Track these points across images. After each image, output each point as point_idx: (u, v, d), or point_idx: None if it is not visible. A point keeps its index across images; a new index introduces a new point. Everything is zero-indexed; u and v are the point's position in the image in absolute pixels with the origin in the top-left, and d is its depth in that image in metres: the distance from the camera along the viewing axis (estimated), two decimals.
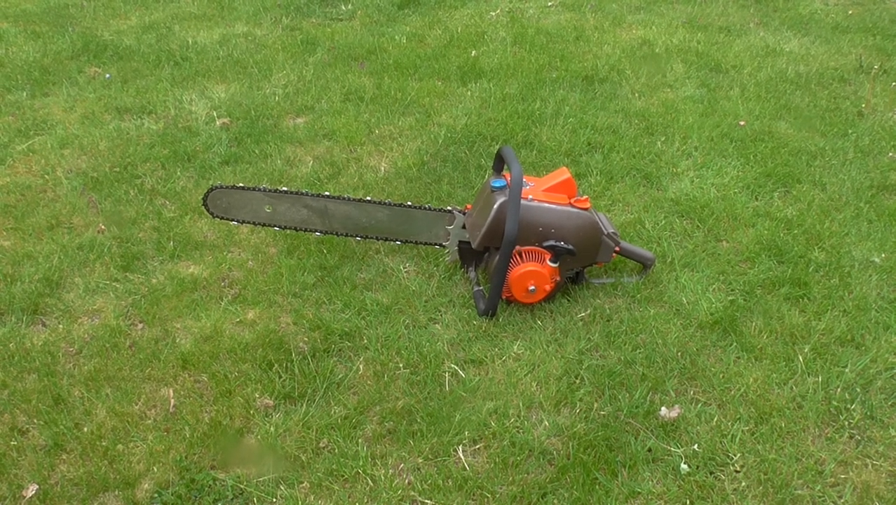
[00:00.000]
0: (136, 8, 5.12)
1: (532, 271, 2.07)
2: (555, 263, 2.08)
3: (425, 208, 2.26)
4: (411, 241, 2.32)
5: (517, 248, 2.08)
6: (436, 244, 2.30)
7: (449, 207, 2.28)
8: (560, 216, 2.08)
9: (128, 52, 4.23)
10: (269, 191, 2.23)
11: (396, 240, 2.31)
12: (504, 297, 2.12)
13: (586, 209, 2.10)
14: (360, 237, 2.30)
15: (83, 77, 3.89)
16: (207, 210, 2.24)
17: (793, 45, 4.29)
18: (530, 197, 2.08)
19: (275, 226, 2.27)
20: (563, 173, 2.16)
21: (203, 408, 1.84)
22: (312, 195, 2.24)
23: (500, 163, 2.14)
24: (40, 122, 3.36)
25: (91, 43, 4.35)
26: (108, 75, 3.89)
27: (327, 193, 2.25)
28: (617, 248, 2.18)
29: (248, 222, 2.27)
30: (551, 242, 2.07)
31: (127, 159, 3.02)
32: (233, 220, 2.27)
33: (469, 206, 2.27)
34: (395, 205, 2.26)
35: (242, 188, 2.22)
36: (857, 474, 1.65)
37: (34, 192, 2.80)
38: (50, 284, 2.28)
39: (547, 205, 2.08)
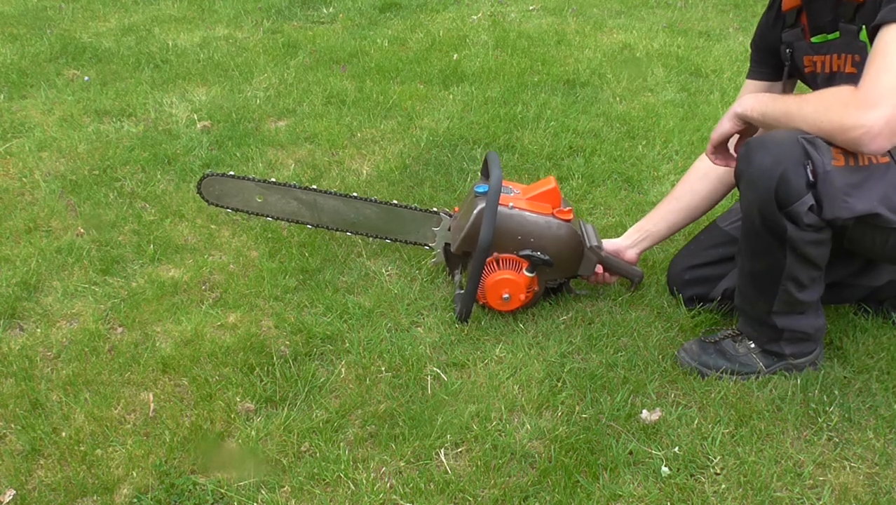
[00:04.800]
0: (116, 10, 5.09)
1: (507, 280, 2.06)
2: (531, 272, 2.08)
3: (413, 208, 2.27)
4: (399, 241, 2.33)
5: (497, 254, 2.08)
6: (423, 245, 2.31)
7: (437, 209, 2.28)
8: (540, 226, 2.08)
9: (107, 55, 4.20)
10: (261, 181, 2.30)
11: (385, 238, 2.32)
12: (481, 302, 2.12)
13: (568, 220, 2.10)
14: (351, 232, 2.35)
15: (61, 79, 3.86)
16: (201, 196, 2.32)
17: None
18: (511, 205, 2.08)
19: (265, 215, 2.33)
20: (550, 182, 2.15)
21: (183, 412, 1.82)
22: (302, 188, 2.30)
23: (486, 168, 2.14)
24: (18, 124, 3.33)
25: (69, 45, 4.32)
26: (86, 78, 3.86)
27: (315, 187, 2.31)
28: (601, 263, 2.17)
29: (240, 210, 2.34)
30: (527, 252, 2.06)
31: (106, 162, 3.00)
32: (226, 207, 2.34)
33: (457, 208, 2.27)
34: (383, 203, 2.27)
35: (234, 177, 2.29)
36: (835, 476, 1.67)
37: (11, 194, 2.77)
38: (27, 288, 2.26)
39: (527, 213, 2.08)
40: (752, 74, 2.09)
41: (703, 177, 2.15)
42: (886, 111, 1.50)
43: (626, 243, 2.24)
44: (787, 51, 1.91)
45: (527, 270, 2.07)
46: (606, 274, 2.21)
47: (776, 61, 1.99)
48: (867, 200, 1.59)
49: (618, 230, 2.52)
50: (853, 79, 1.58)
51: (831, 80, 1.81)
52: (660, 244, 2.32)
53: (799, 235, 1.66)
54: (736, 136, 1.86)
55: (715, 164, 1.93)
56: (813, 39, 1.83)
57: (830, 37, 1.79)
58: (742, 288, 1.90)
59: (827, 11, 1.78)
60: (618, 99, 3.66)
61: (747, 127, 1.81)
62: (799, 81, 2.03)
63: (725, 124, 1.83)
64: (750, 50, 2.10)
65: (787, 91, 2.03)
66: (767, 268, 1.77)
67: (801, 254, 1.70)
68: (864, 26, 1.66)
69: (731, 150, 1.90)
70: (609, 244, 2.23)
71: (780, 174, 1.61)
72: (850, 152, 1.59)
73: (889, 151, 1.61)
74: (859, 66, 1.58)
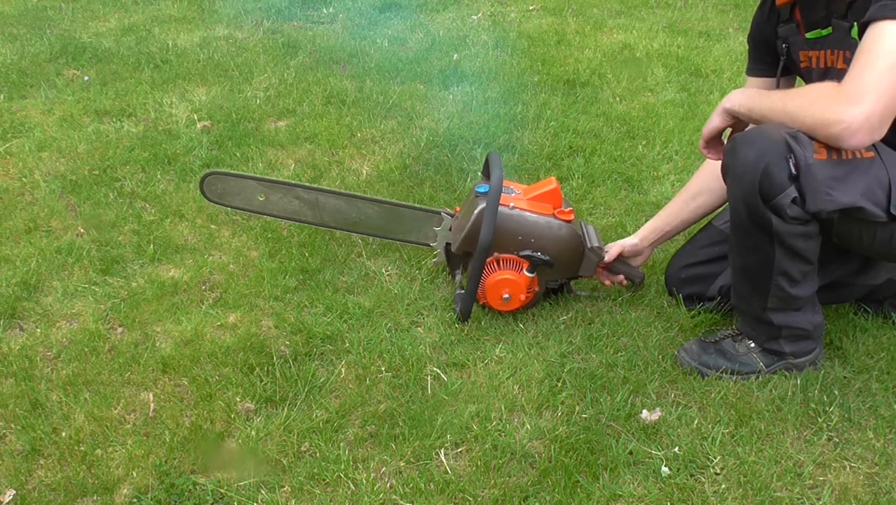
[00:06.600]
0: (115, 10, 5.09)
1: (507, 280, 2.06)
2: (531, 273, 2.07)
3: (415, 207, 2.27)
4: (400, 240, 2.32)
5: (497, 255, 2.08)
6: (424, 244, 2.31)
7: (438, 209, 2.28)
8: (540, 226, 2.08)
9: (107, 55, 4.20)
10: (263, 180, 2.31)
11: (386, 237, 2.32)
12: (481, 302, 2.12)
13: (569, 221, 2.10)
14: (352, 232, 2.35)
15: (61, 79, 3.86)
16: (204, 195, 2.30)
17: None
18: (511, 205, 2.07)
19: (267, 214, 2.33)
20: (551, 183, 2.14)
21: (183, 412, 1.82)
22: (304, 187, 2.30)
23: (487, 168, 2.14)
24: (18, 124, 3.33)
25: (69, 45, 4.31)
26: (86, 78, 3.86)
27: (316, 186, 2.31)
28: (602, 264, 2.17)
29: (242, 209, 2.34)
30: (528, 252, 2.06)
31: (106, 162, 3.00)
32: (227, 205, 2.33)
33: (458, 208, 2.27)
34: (385, 202, 2.28)
35: (237, 175, 2.30)
36: (835, 476, 1.67)
37: (11, 194, 2.77)
38: (28, 288, 2.25)
39: (528, 214, 2.08)
40: (752, 71, 2.09)
41: (719, 176, 2.13)
42: (867, 107, 1.51)
43: (644, 244, 2.23)
44: (784, 46, 1.92)
45: (527, 270, 2.07)
46: (620, 276, 2.20)
47: (772, 57, 1.99)
48: (850, 194, 1.60)
49: (618, 230, 2.52)
50: (844, 75, 1.58)
51: (825, 75, 1.82)
52: (660, 245, 2.32)
53: (785, 228, 1.67)
54: (730, 130, 1.86)
55: (708, 158, 1.95)
56: (807, 35, 1.84)
57: (824, 32, 1.79)
58: (736, 285, 1.90)
59: (820, 7, 1.79)
60: (618, 99, 3.66)
61: (738, 121, 1.82)
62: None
63: (715, 119, 1.84)
64: (748, 45, 2.10)
65: (784, 87, 2.03)
66: (758, 263, 1.78)
67: (788, 247, 1.71)
68: (855, 23, 1.67)
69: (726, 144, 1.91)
70: (622, 242, 2.21)
71: (763, 168, 1.62)
72: (833, 146, 1.60)
73: (874, 146, 1.61)
74: (850, 61, 1.58)
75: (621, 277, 2.21)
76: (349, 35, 4.58)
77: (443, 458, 1.71)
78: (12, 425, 1.78)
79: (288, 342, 2.05)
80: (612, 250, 2.19)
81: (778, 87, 2.01)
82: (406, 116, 3.44)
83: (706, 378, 1.92)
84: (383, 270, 2.34)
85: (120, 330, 2.11)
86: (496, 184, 1.98)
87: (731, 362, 1.92)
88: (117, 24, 4.81)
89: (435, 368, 1.96)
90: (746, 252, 1.80)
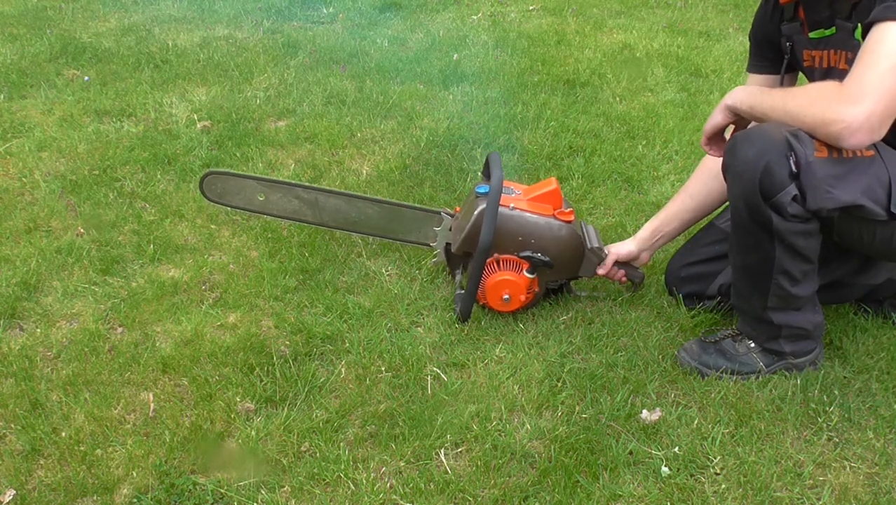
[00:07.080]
0: (115, 10, 5.09)
1: (507, 281, 2.06)
2: (531, 273, 2.07)
3: (415, 207, 2.27)
4: (400, 240, 2.32)
5: (497, 255, 2.08)
6: (424, 244, 2.31)
7: (438, 209, 2.28)
8: (540, 227, 2.08)
9: (107, 55, 4.20)
10: (262, 179, 2.31)
11: (386, 237, 2.32)
12: (481, 303, 2.12)
13: (569, 221, 2.09)
14: (352, 232, 2.35)
15: (61, 79, 3.86)
16: (203, 195, 2.31)
17: None
18: (512, 206, 2.07)
19: (267, 214, 2.33)
20: (551, 184, 2.14)
21: (183, 412, 1.82)
22: (304, 186, 2.30)
23: (488, 168, 2.14)
24: (18, 124, 3.33)
25: (69, 45, 4.31)
26: (86, 78, 3.86)
27: (316, 185, 2.33)
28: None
29: (241, 209, 2.34)
30: (528, 253, 2.06)
31: (106, 162, 3.00)
32: (227, 205, 2.34)
33: (458, 208, 2.27)
34: (385, 201, 2.28)
35: (236, 175, 2.30)
36: (835, 476, 1.67)
37: (11, 194, 2.77)
38: (27, 288, 2.25)
39: (528, 214, 2.08)
40: (752, 68, 2.09)
41: (718, 175, 2.12)
42: (867, 107, 1.52)
43: (642, 246, 2.20)
44: (787, 44, 1.92)
45: (527, 271, 2.07)
46: (620, 272, 2.20)
47: (774, 54, 1.99)
48: (851, 192, 1.61)
49: (618, 230, 2.52)
50: (846, 76, 1.59)
51: (827, 74, 1.83)
52: (660, 247, 2.32)
53: (785, 227, 1.67)
54: (732, 127, 1.87)
55: (710, 154, 1.95)
56: (811, 34, 1.84)
57: (827, 32, 1.80)
58: (736, 284, 1.90)
59: (823, 7, 1.79)
60: (618, 99, 3.66)
61: (740, 118, 1.82)
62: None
63: (717, 116, 1.84)
64: (749, 42, 2.10)
65: (788, 84, 2.03)
66: (758, 262, 1.78)
67: (789, 246, 1.71)
68: (859, 24, 1.67)
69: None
70: (618, 248, 2.19)
71: (763, 166, 1.63)
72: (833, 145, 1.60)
73: (875, 145, 1.61)
74: (852, 63, 1.59)
75: (621, 272, 2.21)
76: (349, 35, 4.58)
77: (443, 458, 1.71)
78: (12, 425, 1.78)
79: (288, 342, 2.05)
80: (608, 260, 2.17)
81: (782, 84, 2.01)
82: (406, 116, 3.44)
83: (706, 378, 1.92)
84: (383, 270, 2.34)
85: (120, 330, 2.11)
86: (496, 184, 1.98)
87: (731, 362, 1.92)
88: (117, 24, 4.81)
89: (435, 368, 1.96)
90: (747, 251, 1.80)
